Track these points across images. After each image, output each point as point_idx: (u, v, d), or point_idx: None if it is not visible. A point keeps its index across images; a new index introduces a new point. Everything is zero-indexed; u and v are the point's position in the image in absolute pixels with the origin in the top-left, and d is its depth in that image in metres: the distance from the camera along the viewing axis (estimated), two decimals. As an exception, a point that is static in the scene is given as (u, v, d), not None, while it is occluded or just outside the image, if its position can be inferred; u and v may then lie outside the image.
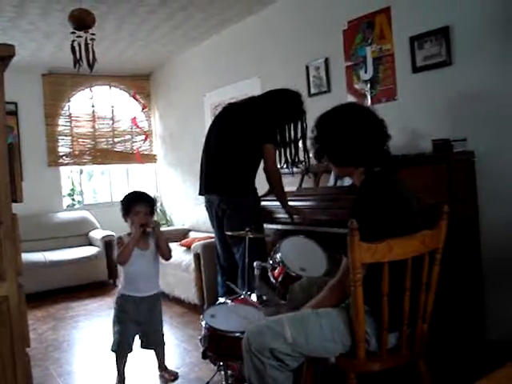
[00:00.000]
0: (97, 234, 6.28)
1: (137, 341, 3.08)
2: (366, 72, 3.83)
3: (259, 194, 3.56)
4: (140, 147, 7.31)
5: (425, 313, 1.96)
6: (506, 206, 2.98)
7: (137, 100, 7.31)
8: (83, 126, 6.92)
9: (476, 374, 1.19)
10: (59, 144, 6.71)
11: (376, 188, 2.01)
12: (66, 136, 6.77)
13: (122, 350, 2.99)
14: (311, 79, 4.33)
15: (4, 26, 4.74)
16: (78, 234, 6.42)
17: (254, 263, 2.81)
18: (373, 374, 1.94)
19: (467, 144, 3.04)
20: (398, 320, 1.86)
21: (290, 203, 3.47)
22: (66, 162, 6.77)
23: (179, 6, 4.58)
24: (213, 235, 3.83)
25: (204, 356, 2.45)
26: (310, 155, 3.48)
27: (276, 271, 2.78)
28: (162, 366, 3.18)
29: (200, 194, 3.59)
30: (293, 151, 3.56)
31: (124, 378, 3.04)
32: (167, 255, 3.10)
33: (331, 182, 3.57)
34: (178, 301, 4.91)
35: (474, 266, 3.00)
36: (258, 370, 1.88)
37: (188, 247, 4.88)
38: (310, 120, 2.33)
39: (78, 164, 6.90)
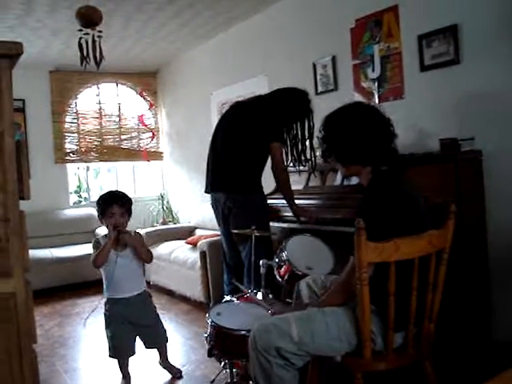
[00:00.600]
0: (103, 231, 6.28)
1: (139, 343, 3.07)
2: (373, 70, 3.81)
3: (265, 193, 3.56)
4: (147, 146, 7.32)
5: (431, 313, 1.95)
6: (514, 206, 2.96)
7: (144, 98, 7.31)
8: (90, 123, 6.93)
9: (482, 375, 1.19)
10: (66, 141, 6.73)
11: (383, 187, 2.01)
12: (72, 133, 6.79)
13: (119, 355, 2.96)
14: (318, 77, 4.32)
15: (12, 24, 4.75)
16: (84, 230, 6.44)
17: (260, 261, 2.81)
18: (379, 373, 1.94)
19: (475, 143, 3.02)
20: (404, 320, 1.86)
21: (297, 201, 3.47)
22: (73, 159, 6.79)
23: (186, 4, 4.58)
24: (219, 233, 3.84)
25: (210, 354, 2.45)
26: (317, 154, 3.48)
27: (282, 270, 2.78)
28: (165, 363, 3.17)
29: (206, 191, 3.59)
30: (300, 150, 3.55)
31: (129, 378, 3.02)
32: (148, 260, 3.04)
33: (338, 181, 3.56)
34: (183, 298, 4.91)
35: (481, 265, 2.99)
36: (264, 369, 1.88)
37: (194, 245, 4.89)
38: (317, 118, 2.32)
39: (85, 161, 6.91)
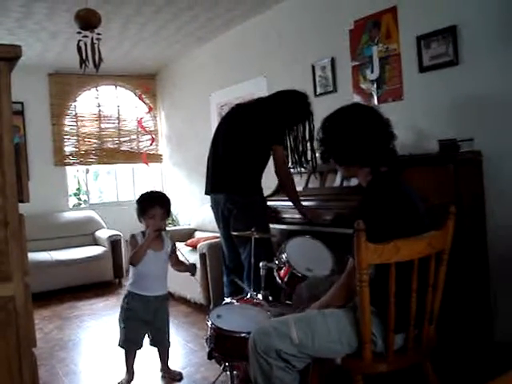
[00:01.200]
0: (103, 234, 6.30)
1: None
2: (372, 72, 3.81)
3: (265, 194, 3.56)
4: (146, 149, 7.31)
5: (432, 314, 1.95)
6: (514, 207, 2.96)
7: (143, 101, 7.31)
8: (89, 125, 6.94)
9: (484, 376, 1.19)
10: (65, 144, 6.73)
11: (382, 189, 2.01)
12: (72, 136, 6.79)
13: (129, 346, 3.02)
14: (317, 79, 4.32)
15: (11, 27, 4.76)
16: (84, 233, 6.44)
17: (260, 263, 2.81)
18: (379, 375, 1.93)
19: (474, 144, 3.01)
20: (405, 321, 1.85)
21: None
22: (72, 161, 6.79)
23: (185, 6, 4.58)
24: (218, 235, 3.83)
25: (210, 356, 2.44)
26: (317, 155, 3.48)
27: (282, 271, 2.78)
28: (164, 368, 3.19)
29: (206, 193, 3.59)
30: (300, 152, 3.55)
31: (133, 374, 3.06)
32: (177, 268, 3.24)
33: (337, 182, 3.56)
34: (183, 300, 4.91)
35: (482, 266, 2.99)
36: (264, 371, 1.87)
37: (194, 247, 4.88)
38: (317, 120, 2.32)
39: (84, 164, 6.91)
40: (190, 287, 4.69)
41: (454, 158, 2.85)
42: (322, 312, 1.95)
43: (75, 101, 6.79)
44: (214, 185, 3.49)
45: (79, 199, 7.11)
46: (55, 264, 5.64)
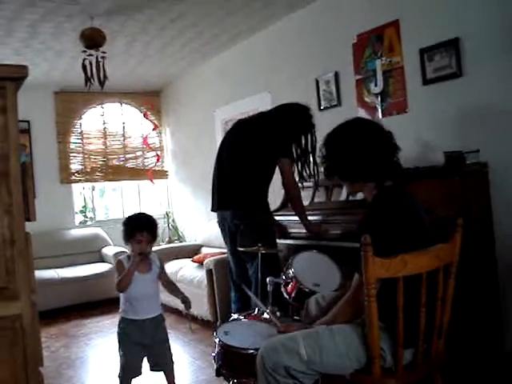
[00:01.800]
0: (109, 251, 6.29)
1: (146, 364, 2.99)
2: (376, 85, 3.82)
3: (271, 209, 3.55)
4: (152, 167, 7.34)
5: (441, 328, 1.93)
6: (521, 218, 2.94)
7: (148, 119, 7.35)
8: (95, 142, 6.98)
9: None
10: (71, 161, 6.77)
11: (388, 203, 2.00)
12: (77, 153, 6.83)
13: (126, 373, 2.88)
14: (321, 93, 4.33)
15: (17, 46, 4.81)
16: (90, 250, 6.44)
17: (267, 279, 2.79)
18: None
19: (480, 155, 3.00)
20: (414, 336, 1.83)
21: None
22: (78, 178, 6.82)
23: (190, 23, 4.62)
24: (225, 251, 3.82)
25: (218, 373, 2.42)
26: (320, 169, 3.48)
27: (289, 287, 2.76)
28: None
29: (212, 210, 3.58)
30: (302, 165, 3.55)
31: None
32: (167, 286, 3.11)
33: (343, 196, 3.55)
34: (191, 317, 4.88)
35: (490, 278, 2.96)
36: (272, 389, 1.85)
37: (200, 263, 4.87)
38: (322, 134, 2.32)
39: (90, 181, 6.95)
40: (197, 304, 4.67)
41: (459, 169, 2.84)
42: (330, 327, 1.94)
43: (81, 118, 6.84)
44: (220, 201, 3.49)
45: (85, 216, 7.12)
46: (62, 282, 5.64)
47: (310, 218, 3.45)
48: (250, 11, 4.45)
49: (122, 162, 7.12)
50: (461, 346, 2.53)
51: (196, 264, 5.06)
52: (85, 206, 7.17)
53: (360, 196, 3.18)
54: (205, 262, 4.58)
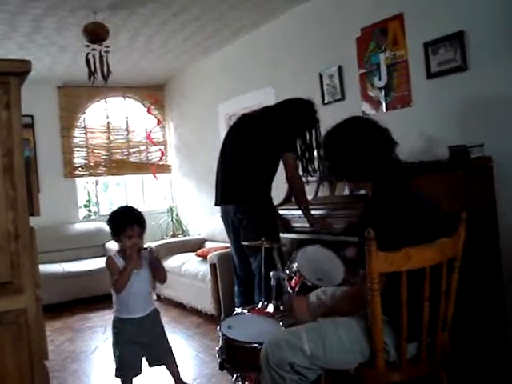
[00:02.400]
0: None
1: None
2: (380, 79, 3.81)
3: (275, 203, 3.55)
4: (156, 161, 7.35)
5: (445, 322, 1.93)
6: (526, 212, 2.93)
7: (151, 114, 7.35)
8: (98, 137, 6.99)
9: (499, 382, 1.17)
10: (75, 155, 6.78)
11: (388, 196, 2.01)
12: (81, 147, 6.84)
13: (125, 373, 2.80)
14: (325, 87, 4.32)
15: (21, 41, 4.81)
16: (94, 244, 6.45)
17: (271, 273, 2.79)
18: (393, 384, 1.91)
19: (484, 149, 2.99)
20: (417, 330, 1.84)
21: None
22: (82, 173, 6.84)
23: (192, 17, 4.61)
24: (229, 245, 3.83)
25: (221, 367, 2.43)
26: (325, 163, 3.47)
27: (292, 281, 2.76)
28: (177, 382, 2.99)
29: (216, 204, 3.59)
30: (307, 160, 3.54)
31: None
32: (164, 279, 2.94)
33: (347, 191, 3.55)
34: (194, 311, 4.90)
35: (495, 272, 2.96)
36: (277, 384, 1.86)
37: (204, 257, 4.87)
38: (325, 128, 2.31)
39: (94, 175, 6.96)
40: (201, 298, 4.69)
41: (464, 164, 2.83)
42: (334, 321, 1.94)
43: (84, 113, 6.85)
44: (224, 195, 3.49)
45: (89, 211, 7.13)
46: (66, 276, 5.66)
47: (313, 212, 3.44)
48: (252, 5, 4.44)
49: (125, 157, 7.13)
50: (465, 341, 2.52)
51: (200, 258, 5.06)
52: (89, 201, 7.18)
53: (364, 191, 3.19)
54: (209, 257, 4.58)
